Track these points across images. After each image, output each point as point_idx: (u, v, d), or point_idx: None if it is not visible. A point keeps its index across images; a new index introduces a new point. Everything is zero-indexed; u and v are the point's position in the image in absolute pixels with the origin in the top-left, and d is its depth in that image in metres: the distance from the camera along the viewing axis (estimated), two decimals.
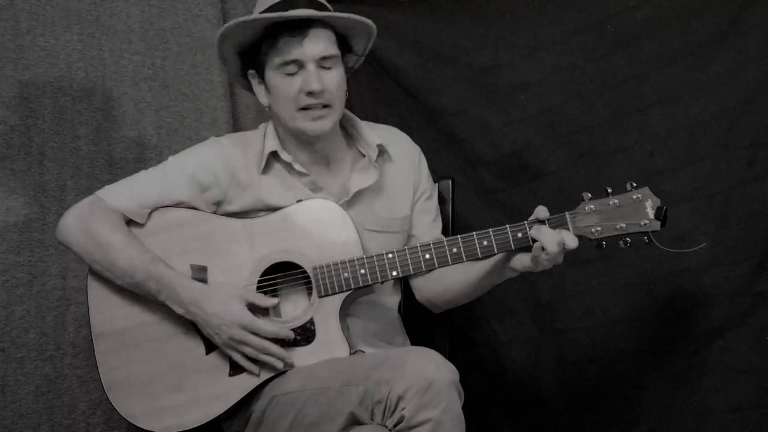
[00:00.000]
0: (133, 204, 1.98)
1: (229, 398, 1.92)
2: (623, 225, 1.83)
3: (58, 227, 2.01)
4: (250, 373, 1.91)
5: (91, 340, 1.98)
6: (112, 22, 2.45)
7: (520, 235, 1.85)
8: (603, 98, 2.26)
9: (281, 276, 1.97)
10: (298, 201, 1.98)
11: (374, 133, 2.08)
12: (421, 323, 2.19)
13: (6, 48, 2.27)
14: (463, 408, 1.74)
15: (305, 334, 1.92)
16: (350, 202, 2.02)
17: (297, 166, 2.02)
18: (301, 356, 1.91)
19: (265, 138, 2.05)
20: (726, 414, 2.11)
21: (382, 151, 2.06)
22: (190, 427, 1.93)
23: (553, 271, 1.87)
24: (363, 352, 1.99)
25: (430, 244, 1.91)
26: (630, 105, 2.22)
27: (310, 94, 1.94)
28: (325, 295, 1.92)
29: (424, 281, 2.09)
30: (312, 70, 1.93)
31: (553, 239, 1.79)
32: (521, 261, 1.86)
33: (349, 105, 2.12)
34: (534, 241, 1.82)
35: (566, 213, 1.85)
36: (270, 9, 1.94)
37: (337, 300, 1.92)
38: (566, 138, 2.32)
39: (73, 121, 2.36)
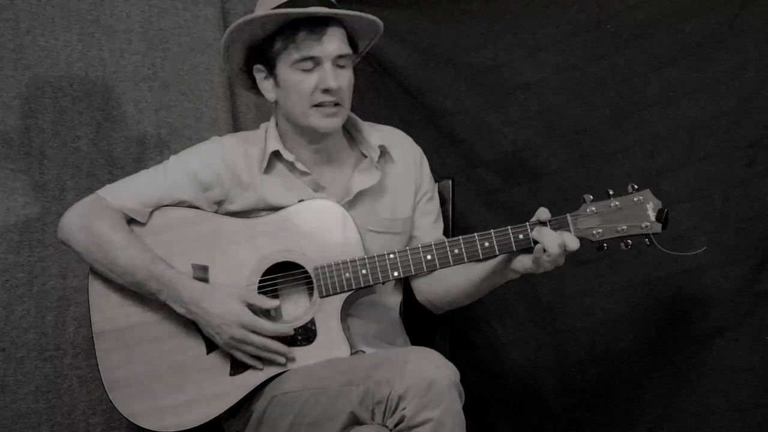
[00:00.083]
0: (135, 203, 1.98)
1: (229, 398, 1.92)
2: (624, 227, 1.83)
3: (59, 226, 2.01)
4: (254, 369, 1.91)
5: (92, 339, 1.98)
6: (112, 22, 2.44)
7: (521, 236, 1.85)
8: (603, 98, 2.26)
9: (282, 276, 1.97)
10: (299, 201, 1.98)
11: (376, 134, 2.09)
12: (422, 323, 2.18)
13: (6, 48, 2.27)
14: (464, 408, 1.74)
15: (306, 334, 1.92)
16: (352, 202, 2.02)
17: (299, 165, 2.02)
18: (302, 356, 1.91)
19: (266, 137, 2.05)
20: (726, 414, 2.11)
21: (383, 152, 2.07)
22: (191, 427, 1.93)
23: (554, 272, 1.87)
24: (364, 352, 1.99)
25: (431, 244, 1.91)
26: (630, 105, 2.22)
27: (326, 91, 1.94)
28: (327, 295, 1.92)
29: (426, 282, 2.08)
30: (329, 68, 1.94)
31: (554, 241, 1.78)
32: (522, 262, 1.86)
33: None
34: (535, 242, 1.82)
35: (567, 215, 1.85)
36: (284, 5, 1.94)
37: (338, 300, 1.92)
38: (566, 138, 2.32)
39: (73, 121, 2.36)
